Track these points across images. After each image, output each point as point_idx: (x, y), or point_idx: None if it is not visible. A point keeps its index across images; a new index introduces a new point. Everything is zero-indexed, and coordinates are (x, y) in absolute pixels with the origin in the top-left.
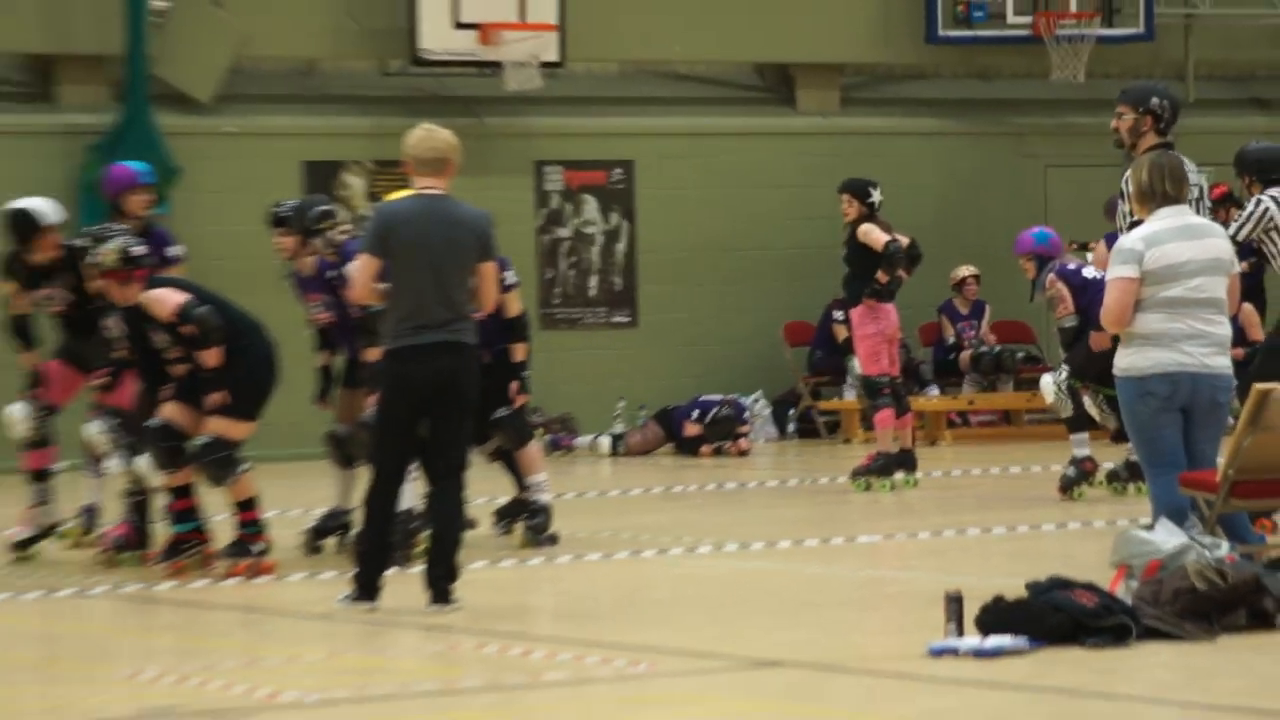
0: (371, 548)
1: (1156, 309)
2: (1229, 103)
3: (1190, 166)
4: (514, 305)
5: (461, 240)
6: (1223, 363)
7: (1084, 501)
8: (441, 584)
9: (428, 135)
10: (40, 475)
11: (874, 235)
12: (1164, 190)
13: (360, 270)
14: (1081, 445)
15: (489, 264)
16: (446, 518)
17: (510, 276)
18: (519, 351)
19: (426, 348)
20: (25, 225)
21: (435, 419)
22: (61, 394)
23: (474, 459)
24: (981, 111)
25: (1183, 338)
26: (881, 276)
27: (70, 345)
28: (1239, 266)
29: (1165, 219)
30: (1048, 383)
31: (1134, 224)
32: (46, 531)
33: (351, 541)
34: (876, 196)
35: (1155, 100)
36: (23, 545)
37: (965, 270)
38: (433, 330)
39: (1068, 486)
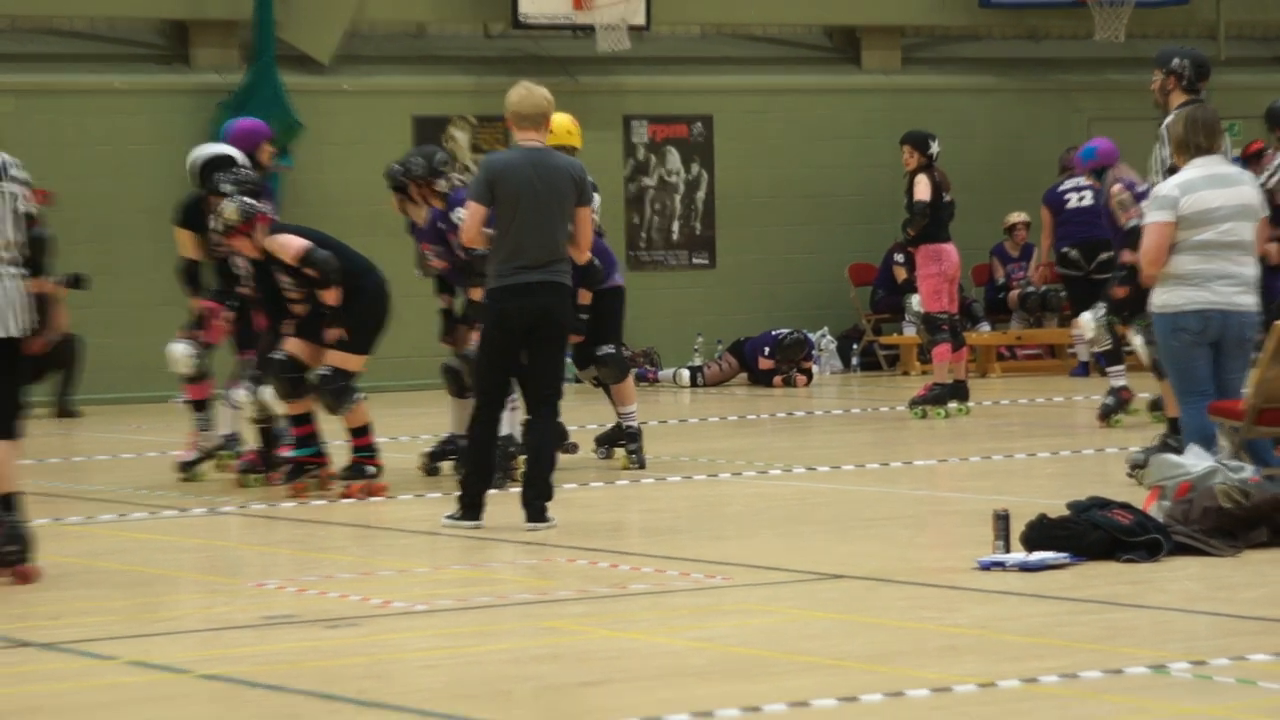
0: (474, 470)
1: (1190, 251)
2: (1257, 60)
3: None
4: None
5: (560, 187)
6: (1249, 301)
7: (1121, 428)
8: (537, 503)
9: (529, 93)
10: (200, 405)
11: (919, 189)
12: (1197, 142)
13: (469, 216)
14: (1118, 376)
15: (585, 209)
16: (541, 442)
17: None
18: (582, 296)
19: (526, 286)
20: (226, 168)
21: (533, 352)
22: (218, 333)
23: (578, 386)
24: (1030, 69)
25: (1213, 278)
26: (909, 231)
27: (223, 286)
28: (1265, 211)
29: (1199, 168)
30: (1087, 319)
31: (1169, 171)
32: (208, 455)
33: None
34: (935, 148)
35: (1176, 61)
36: (188, 466)
37: (1016, 217)
38: (533, 270)
39: (1107, 414)
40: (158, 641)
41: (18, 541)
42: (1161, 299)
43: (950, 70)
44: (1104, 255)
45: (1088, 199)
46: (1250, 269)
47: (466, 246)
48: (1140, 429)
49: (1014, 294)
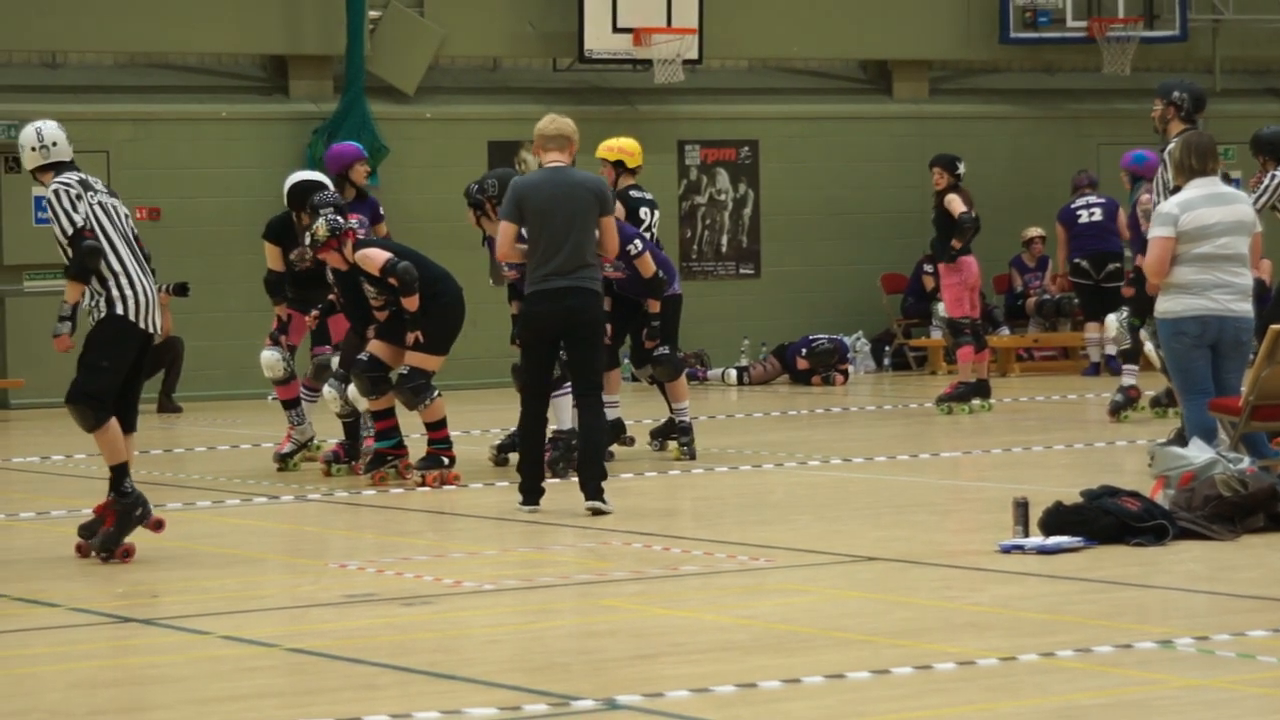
0: (525, 459)
1: (1190, 263)
2: (1250, 92)
3: None
4: (646, 267)
5: (582, 201)
6: (1245, 308)
7: (1129, 422)
8: (592, 484)
9: (554, 119)
10: (291, 403)
11: (954, 205)
12: (1191, 164)
13: (500, 235)
14: (1130, 375)
15: (608, 218)
16: (590, 428)
17: (635, 247)
18: (651, 305)
19: (556, 291)
20: (308, 193)
21: (569, 349)
22: (297, 336)
23: (634, 385)
24: (1045, 99)
25: (1211, 287)
26: (955, 243)
27: (299, 294)
28: (1260, 227)
29: (1198, 188)
30: (1112, 320)
31: (1172, 191)
32: (302, 446)
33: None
34: (962, 169)
35: (1176, 94)
36: (284, 458)
37: (1033, 231)
38: (561, 277)
39: (1116, 410)
40: (249, 617)
41: (141, 503)
42: (1164, 306)
43: (973, 100)
44: (1111, 265)
45: (1097, 215)
46: (1245, 279)
47: (500, 261)
48: (1146, 424)
49: (1031, 301)
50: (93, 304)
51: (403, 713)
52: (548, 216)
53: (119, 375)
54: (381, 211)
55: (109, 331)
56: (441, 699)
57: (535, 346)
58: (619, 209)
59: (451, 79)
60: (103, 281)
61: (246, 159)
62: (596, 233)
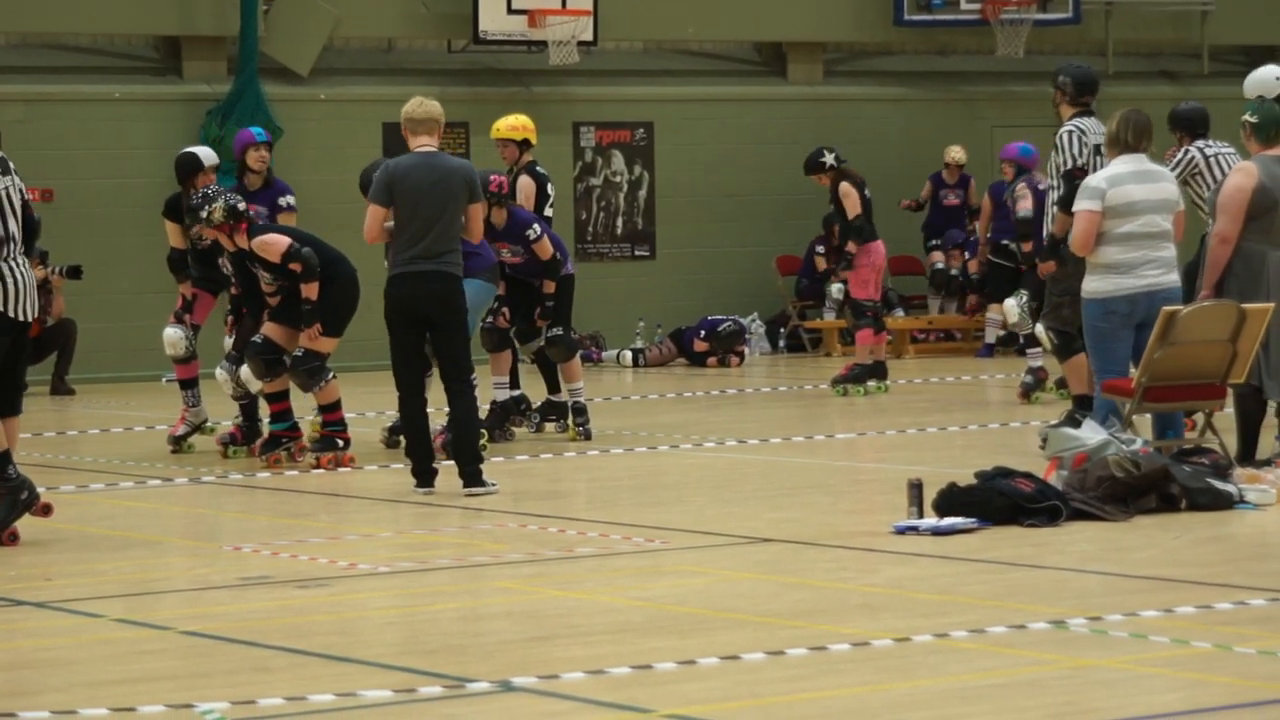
0: (410, 443)
1: (1115, 242)
2: (1142, 74)
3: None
4: (545, 250)
5: (453, 186)
6: (1171, 279)
7: (1040, 404)
8: (469, 469)
9: (421, 103)
10: (189, 384)
11: (849, 200)
12: (1127, 139)
13: (370, 217)
14: (1036, 357)
15: (476, 205)
16: (462, 413)
17: (534, 231)
18: (547, 286)
19: (420, 274)
20: (190, 166)
21: (433, 333)
22: (201, 315)
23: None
24: (939, 82)
25: (1140, 264)
26: (850, 248)
27: (204, 273)
28: (1183, 204)
29: (1125, 164)
30: (1011, 304)
31: (1068, 172)
32: (196, 429)
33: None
34: (831, 159)
35: (1061, 78)
36: (178, 440)
37: (954, 153)
38: (426, 260)
39: (1027, 392)
40: (143, 600)
41: (26, 487)
42: (1092, 286)
43: (867, 82)
44: None
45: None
46: (1170, 252)
47: (369, 243)
48: (1054, 405)
49: (933, 264)
50: None
51: (298, 695)
52: (419, 200)
53: None
54: (287, 202)
55: None
56: (337, 682)
57: (400, 328)
58: (530, 184)
59: (346, 60)
60: None
61: (139, 140)
62: (463, 219)
